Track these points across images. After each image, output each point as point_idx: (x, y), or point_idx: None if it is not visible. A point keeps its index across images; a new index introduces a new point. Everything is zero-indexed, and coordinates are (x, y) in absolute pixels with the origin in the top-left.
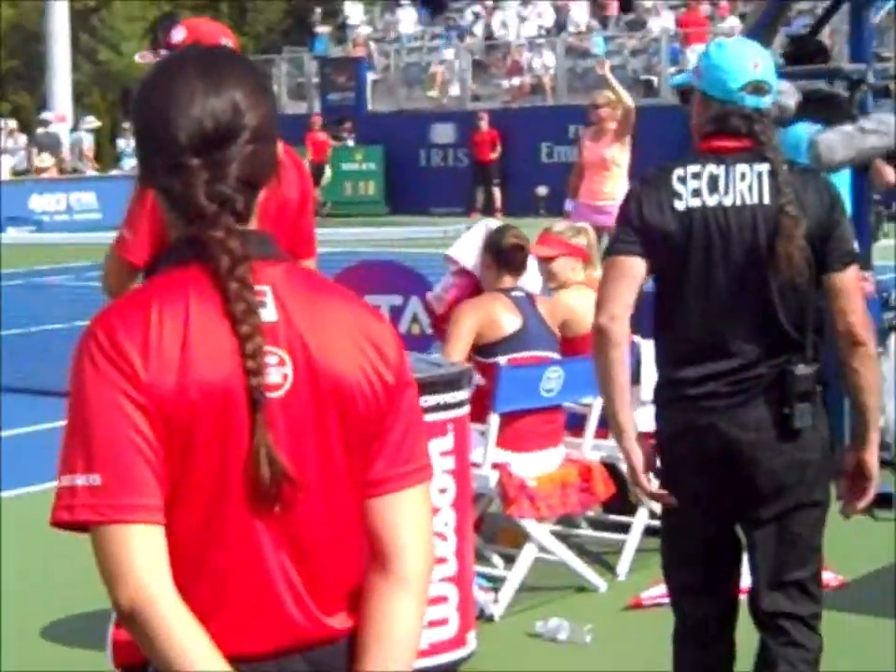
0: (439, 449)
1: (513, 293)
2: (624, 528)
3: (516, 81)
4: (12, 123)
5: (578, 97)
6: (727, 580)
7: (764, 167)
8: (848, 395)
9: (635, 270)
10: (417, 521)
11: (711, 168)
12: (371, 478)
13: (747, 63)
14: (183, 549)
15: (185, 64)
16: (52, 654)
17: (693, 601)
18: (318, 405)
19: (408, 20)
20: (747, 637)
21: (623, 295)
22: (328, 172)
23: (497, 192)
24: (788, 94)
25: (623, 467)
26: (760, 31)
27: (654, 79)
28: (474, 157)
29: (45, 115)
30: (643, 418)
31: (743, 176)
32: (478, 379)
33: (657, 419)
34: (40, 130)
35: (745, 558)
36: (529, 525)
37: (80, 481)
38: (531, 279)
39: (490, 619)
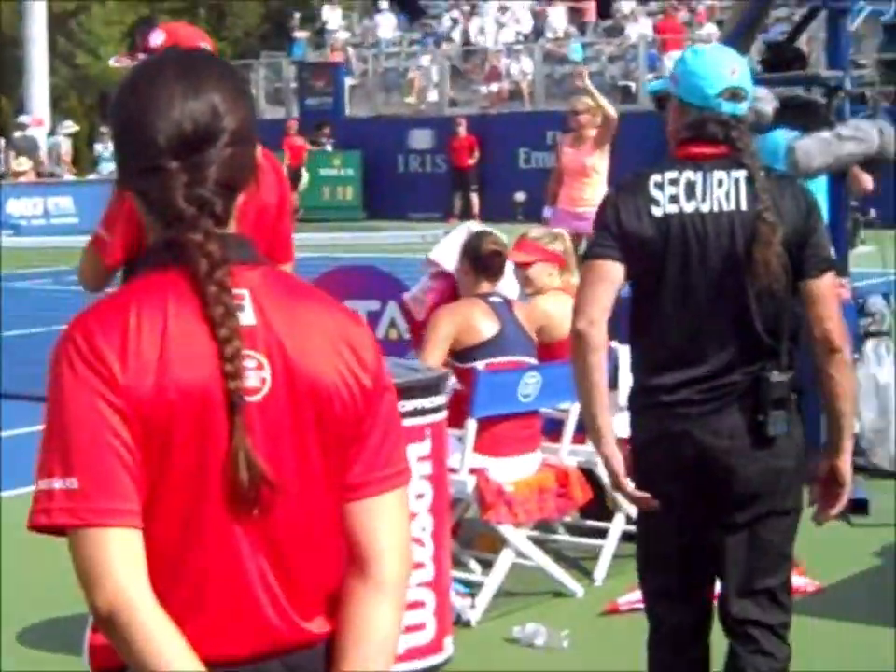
0: (416, 454)
1: (491, 298)
2: (601, 534)
3: (494, 87)
4: None
5: (555, 103)
6: (702, 586)
7: (741, 173)
8: (824, 401)
9: (613, 274)
10: (395, 525)
11: (688, 174)
12: (349, 482)
13: (723, 69)
14: (161, 552)
15: (164, 67)
16: (28, 658)
17: (668, 607)
18: (296, 408)
19: (387, 25)
20: (717, 642)
21: (601, 299)
22: (305, 177)
23: (474, 198)
24: (765, 101)
25: (601, 472)
26: (737, 37)
27: (632, 85)
28: (452, 162)
29: (22, 118)
30: (620, 424)
31: (720, 183)
32: (455, 384)
33: (632, 426)
34: (17, 133)
35: None
36: (507, 530)
37: (58, 484)
38: (507, 285)
39: (467, 624)
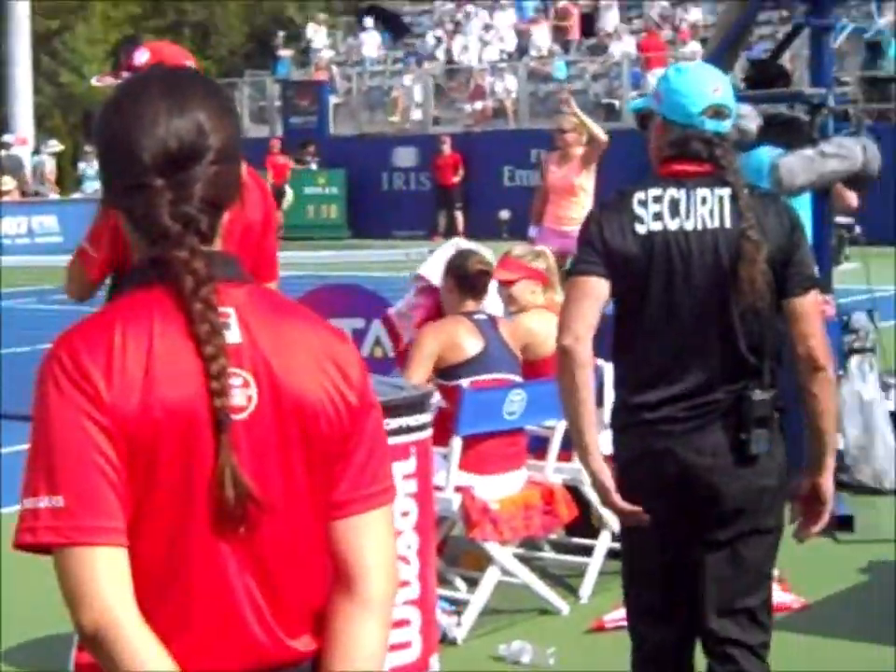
0: (401, 472)
1: (475, 316)
2: (587, 551)
3: (478, 105)
4: None
5: (539, 121)
6: (684, 604)
7: (725, 191)
8: (807, 419)
9: (598, 290)
10: (381, 543)
11: (672, 192)
12: (335, 500)
13: (706, 87)
14: (147, 570)
15: (149, 84)
16: None
17: (650, 625)
18: (282, 426)
19: (371, 43)
20: (699, 661)
21: (586, 316)
22: (289, 195)
23: (459, 216)
24: (749, 118)
25: (586, 489)
26: (721, 55)
27: (616, 103)
28: (436, 180)
29: (6, 137)
30: (606, 441)
31: (704, 201)
32: (440, 402)
33: (614, 444)
34: (2, 152)
35: None
36: (492, 547)
37: (43, 503)
38: (491, 303)
39: (453, 642)
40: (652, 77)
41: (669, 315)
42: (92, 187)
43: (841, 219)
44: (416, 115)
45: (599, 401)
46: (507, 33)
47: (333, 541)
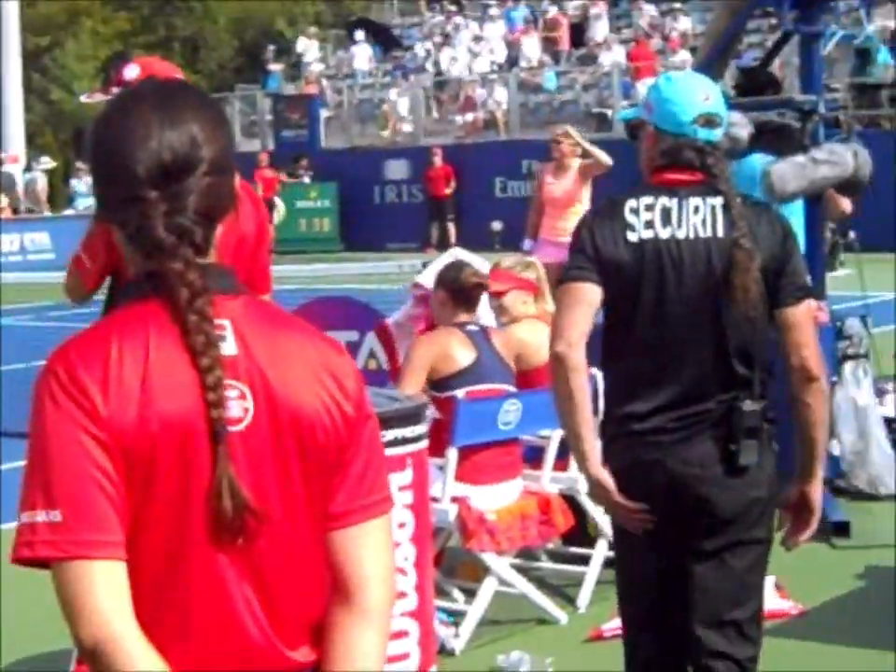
0: (397, 483)
1: (468, 327)
2: (584, 560)
3: (469, 117)
4: None
5: (530, 132)
6: (677, 613)
7: (718, 200)
8: (798, 428)
9: (590, 296)
10: (379, 553)
11: (664, 201)
12: (332, 511)
13: (697, 96)
14: (146, 582)
15: (141, 97)
16: None
17: (644, 634)
18: (278, 438)
19: (361, 56)
20: None
21: (578, 322)
22: (281, 209)
23: (451, 227)
24: (740, 126)
25: (583, 499)
26: (711, 64)
27: (607, 113)
28: (428, 192)
29: None
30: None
31: (696, 209)
32: (434, 413)
33: (604, 454)
34: None
35: None
36: (489, 558)
37: (41, 517)
38: (482, 314)
39: (451, 653)
40: (642, 87)
41: (660, 324)
42: (84, 204)
43: (832, 225)
44: (407, 127)
45: (595, 411)
46: (497, 44)
47: (331, 552)
